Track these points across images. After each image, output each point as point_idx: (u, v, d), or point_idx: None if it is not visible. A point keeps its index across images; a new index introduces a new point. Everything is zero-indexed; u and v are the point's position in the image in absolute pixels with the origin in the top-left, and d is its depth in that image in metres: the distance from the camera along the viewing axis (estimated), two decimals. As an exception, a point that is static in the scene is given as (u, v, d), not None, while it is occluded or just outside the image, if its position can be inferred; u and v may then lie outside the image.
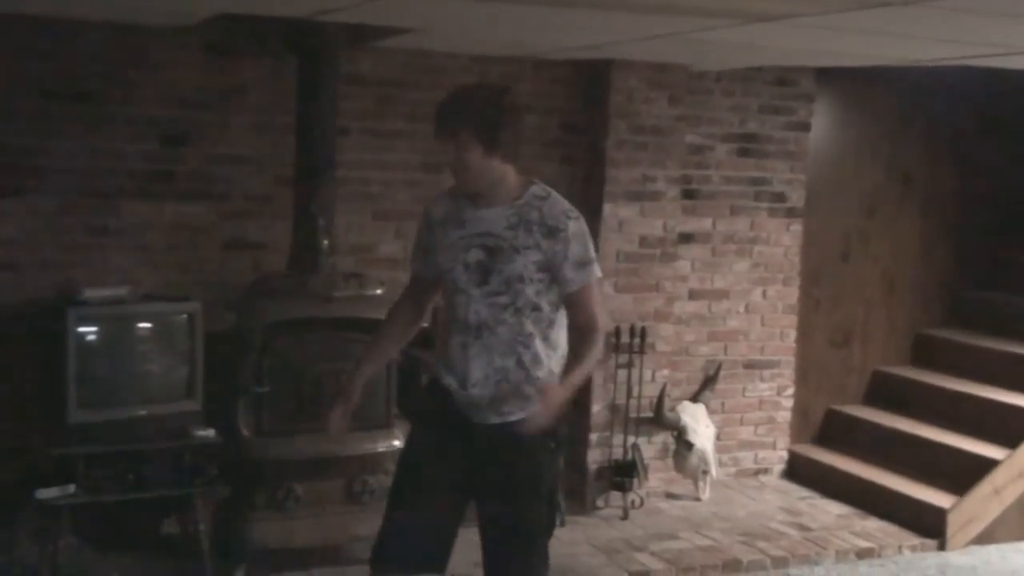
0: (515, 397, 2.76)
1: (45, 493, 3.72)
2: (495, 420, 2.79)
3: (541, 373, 2.77)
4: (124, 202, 4.39)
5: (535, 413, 2.65)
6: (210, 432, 3.92)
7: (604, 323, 2.83)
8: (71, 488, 3.79)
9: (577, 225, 2.78)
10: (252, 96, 4.55)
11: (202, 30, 4.28)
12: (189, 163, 4.51)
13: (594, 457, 5.14)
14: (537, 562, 2.84)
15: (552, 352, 2.81)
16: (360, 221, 4.80)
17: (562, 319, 2.83)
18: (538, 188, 2.81)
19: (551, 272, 2.74)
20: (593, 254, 2.80)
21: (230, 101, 4.54)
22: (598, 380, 5.10)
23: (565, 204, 2.81)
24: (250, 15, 3.96)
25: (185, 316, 4.06)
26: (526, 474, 2.82)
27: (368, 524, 4.14)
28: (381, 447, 4.22)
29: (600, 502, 5.12)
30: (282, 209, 4.46)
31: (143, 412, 3.96)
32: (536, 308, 2.76)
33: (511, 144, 2.75)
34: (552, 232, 2.73)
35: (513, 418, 2.75)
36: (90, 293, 3.98)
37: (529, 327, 2.76)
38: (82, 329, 3.89)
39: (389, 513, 2.93)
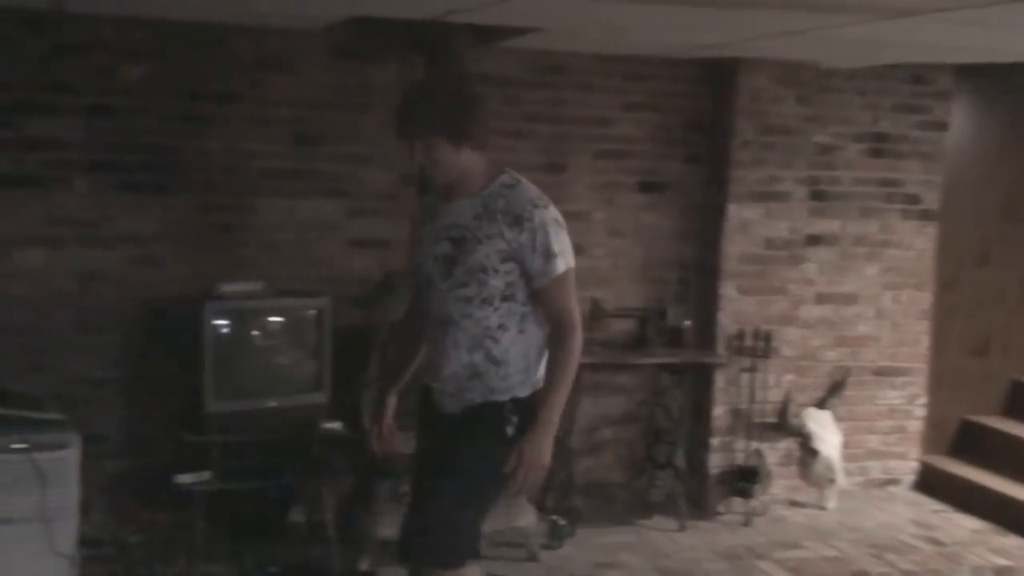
0: (481, 387, 2.68)
1: (182, 478, 3.88)
2: (456, 409, 2.73)
3: (513, 369, 2.67)
4: (258, 200, 4.54)
5: (518, 479, 2.58)
6: (337, 425, 4.03)
7: (576, 322, 2.67)
8: (206, 475, 3.95)
9: (544, 214, 2.62)
10: (379, 97, 4.64)
11: (332, 33, 4.39)
12: (319, 162, 4.64)
13: (715, 461, 5.07)
14: (432, 535, 2.66)
15: (529, 346, 2.69)
16: (483, 220, 4.84)
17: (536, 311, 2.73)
18: (507, 177, 2.68)
19: (519, 264, 2.62)
20: (562, 246, 2.64)
21: (359, 102, 4.65)
22: (720, 384, 5.04)
23: (533, 192, 2.67)
24: (379, 17, 4.05)
25: (315, 311, 4.19)
26: (461, 448, 2.69)
27: (487, 520, 4.22)
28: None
29: (721, 507, 5.05)
30: (407, 207, 4.54)
31: (274, 404, 4.10)
32: (508, 299, 2.65)
33: (479, 134, 2.64)
34: (516, 221, 2.60)
35: (479, 400, 2.68)
36: (226, 288, 4.14)
37: (498, 319, 2.65)
38: (218, 322, 4.06)
39: (406, 511, 2.89)
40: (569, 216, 4.81)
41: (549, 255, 2.61)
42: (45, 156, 4.22)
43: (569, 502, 4.71)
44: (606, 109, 5.01)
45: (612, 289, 5.05)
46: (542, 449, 2.61)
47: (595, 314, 4.90)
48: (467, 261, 2.61)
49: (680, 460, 4.99)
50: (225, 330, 4.09)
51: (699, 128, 5.12)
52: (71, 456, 3.85)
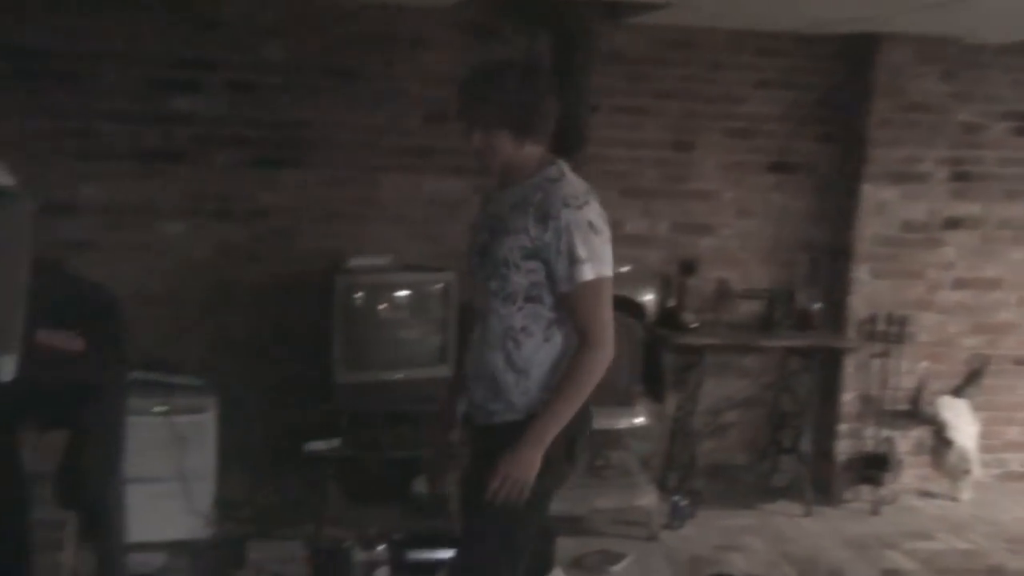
0: (501, 402, 2.45)
1: (313, 445, 4.01)
2: (483, 421, 2.51)
3: (535, 383, 2.42)
4: (387, 175, 4.63)
5: (493, 490, 2.35)
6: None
7: (601, 339, 2.38)
8: (336, 442, 4.08)
9: (574, 216, 2.36)
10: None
11: (462, 10, 4.43)
12: (448, 140, 4.69)
13: (843, 448, 4.94)
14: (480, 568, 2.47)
15: (558, 359, 2.43)
16: (607, 198, 4.76)
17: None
18: (553, 169, 2.46)
19: (545, 264, 2.39)
20: (591, 252, 2.36)
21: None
22: (849, 369, 4.91)
23: (571, 190, 2.41)
24: (509, -6, 4.06)
25: (441, 285, 4.26)
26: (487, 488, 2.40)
27: (609, 498, 4.24)
28: (622, 424, 4.28)
29: (848, 495, 4.92)
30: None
31: (399, 376, 4.19)
32: (532, 300, 2.42)
33: (544, 128, 2.44)
34: (543, 219, 2.37)
35: (497, 420, 2.46)
36: (355, 261, 4.25)
37: (521, 320, 2.43)
38: (347, 295, 4.16)
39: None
40: (696, 195, 4.92)
41: (574, 260, 2.36)
42: (188, 131, 4.39)
43: (691, 483, 4.68)
44: (736, 86, 4.91)
45: (739, 270, 4.97)
46: (524, 468, 2.35)
47: (721, 295, 4.84)
48: (494, 252, 2.44)
49: (806, 445, 4.89)
50: (354, 303, 4.19)
51: (833, 106, 4.97)
52: (209, 420, 4.04)
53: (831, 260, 5.01)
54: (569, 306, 2.40)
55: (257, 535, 4.04)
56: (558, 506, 4.05)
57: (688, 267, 4.77)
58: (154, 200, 4.39)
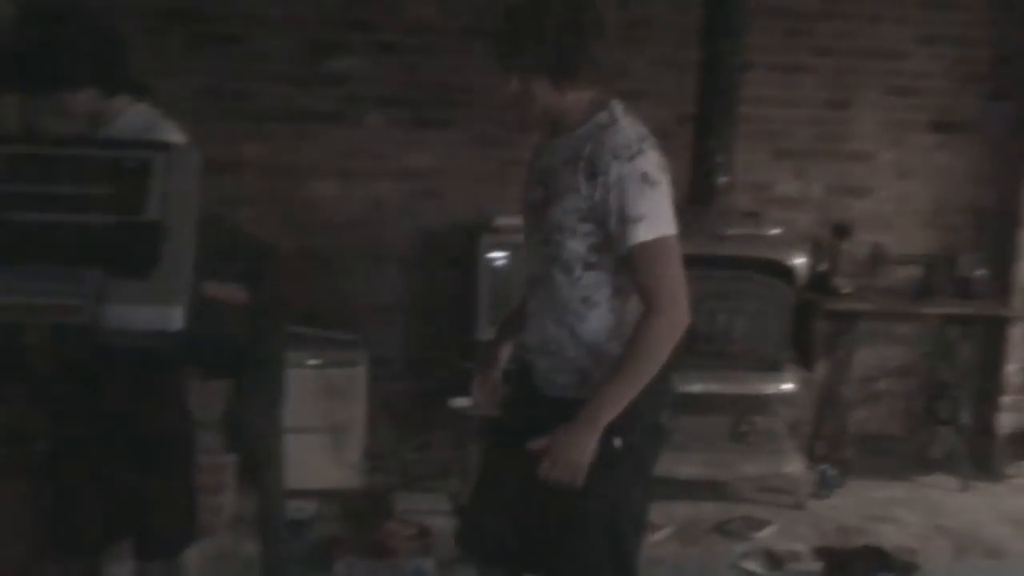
0: (570, 371, 2.23)
1: (456, 402, 4.08)
2: (549, 392, 2.29)
3: (608, 358, 2.16)
4: (534, 136, 4.61)
5: (543, 471, 2.11)
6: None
7: (666, 303, 2.09)
8: (478, 399, 4.14)
9: (625, 168, 2.08)
10: (656, 32, 4.57)
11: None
12: (595, 99, 4.65)
13: (1006, 421, 4.72)
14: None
15: (631, 328, 2.15)
16: (759, 159, 4.70)
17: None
18: (604, 115, 2.16)
19: (603, 225, 2.12)
20: (648, 208, 2.08)
21: (632, 37, 4.60)
22: (1015, 339, 4.67)
23: (623, 138, 2.11)
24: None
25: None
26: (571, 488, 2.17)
27: (754, 464, 4.17)
28: (769, 389, 4.19)
29: (1010, 470, 4.70)
30: (681, 145, 4.47)
31: (543, 335, 4.21)
32: (592, 267, 2.17)
33: (590, 71, 2.16)
34: (592, 174, 2.10)
35: (568, 395, 2.20)
36: (500, 221, 4.28)
37: (581, 291, 2.18)
38: (492, 254, 4.21)
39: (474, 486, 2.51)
40: (852, 156, 4.73)
41: (626, 219, 2.08)
42: (340, 92, 4.49)
43: (840, 452, 4.55)
44: (898, 42, 4.69)
45: (896, 234, 4.77)
46: (576, 451, 2.10)
47: (876, 260, 4.67)
48: (548, 216, 2.18)
49: (965, 417, 4.68)
50: (498, 262, 4.23)
51: (1006, 62, 4.70)
52: (360, 374, 4.16)
53: (998, 225, 4.76)
54: (629, 269, 2.13)
55: (403, 487, 4.16)
56: (701, 470, 4.08)
57: (842, 230, 4.61)
58: (308, 159, 4.51)
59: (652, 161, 2.11)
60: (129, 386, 2.55)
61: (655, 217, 2.08)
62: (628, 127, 2.14)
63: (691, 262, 3.89)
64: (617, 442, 2.15)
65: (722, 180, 4.24)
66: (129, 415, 2.58)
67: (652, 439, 2.29)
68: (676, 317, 2.10)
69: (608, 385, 2.11)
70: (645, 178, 2.08)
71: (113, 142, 2.31)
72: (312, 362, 4.03)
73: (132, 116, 2.47)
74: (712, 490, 4.19)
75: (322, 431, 4.04)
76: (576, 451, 2.10)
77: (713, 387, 4.05)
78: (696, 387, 4.02)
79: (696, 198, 4.25)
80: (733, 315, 4.09)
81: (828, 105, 4.69)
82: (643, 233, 2.07)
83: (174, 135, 2.42)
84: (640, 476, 2.28)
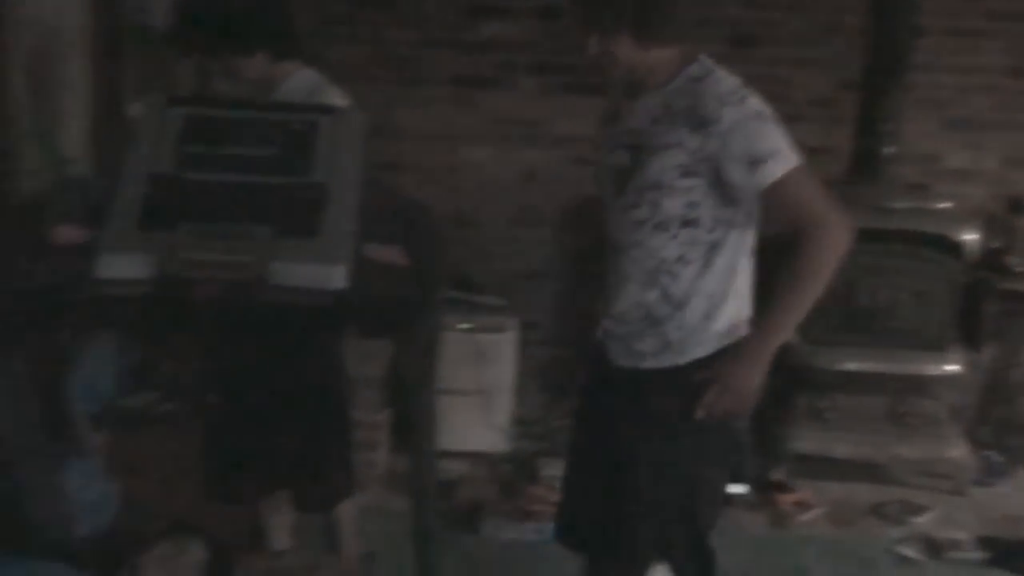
0: (654, 337, 2.17)
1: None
2: (626, 362, 2.23)
3: (692, 315, 2.13)
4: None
5: (709, 401, 2.08)
6: (757, 333, 3.99)
7: (818, 224, 2.02)
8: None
9: (738, 112, 2.02)
10: (823, -3, 4.42)
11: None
12: (755, 65, 4.50)
13: None
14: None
15: (717, 286, 2.14)
16: (928, 129, 4.48)
17: (739, 241, 2.15)
18: (696, 67, 2.10)
19: (709, 177, 2.05)
20: (772, 144, 2.02)
21: (800, 3, 4.44)
22: None
23: (726, 86, 2.06)
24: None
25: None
26: (649, 456, 2.16)
27: (913, 447, 4.01)
28: (931, 370, 4.02)
29: None
30: (845, 114, 4.31)
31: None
32: (689, 224, 2.10)
33: (673, 28, 2.10)
34: (701, 124, 2.02)
35: (646, 364, 2.17)
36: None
37: (677, 250, 2.11)
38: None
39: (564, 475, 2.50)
40: None
41: (754, 160, 2.01)
42: (497, 58, 4.50)
43: (1008, 439, 4.33)
44: (1090, 3, 4.39)
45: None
46: (744, 378, 2.11)
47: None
48: (640, 176, 2.12)
49: None
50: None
51: None
52: (509, 340, 4.20)
53: None
54: (770, 209, 2.08)
55: (549, 453, 4.18)
56: (857, 451, 3.96)
57: (1018, 206, 4.36)
58: (463, 124, 4.55)
59: (758, 101, 2.07)
60: (291, 343, 2.65)
61: (782, 151, 2.03)
62: (726, 76, 2.10)
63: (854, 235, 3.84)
64: (700, 410, 2.14)
65: (888, 151, 4.07)
66: (291, 371, 2.68)
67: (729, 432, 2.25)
68: (836, 233, 2.04)
69: (773, 313, 2.09)
70: (760, 116, 2.04)
71: (282, 105, 2.39)
72: (463, 326, 4.09)
73: (299, 80, 2.54)
74: (867, 472, 4.06)
75: (471, 394, 4.10)
76: (743, 380, 2.11)
77: (871, 366, 3.91)
78: (853, 365, 3.91)
79: (859, 169, 4.09)
80: (896, 292, 3.92)
81: (1009, 73, 4.42)
82: (776, 169, 2.01)
83: (338, 99, 2.49)
84: (721, 452, 2.26)
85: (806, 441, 3.97)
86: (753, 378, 2.13)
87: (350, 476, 2.88)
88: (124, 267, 1.90)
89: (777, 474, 3.98)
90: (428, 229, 2.17)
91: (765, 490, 3.88)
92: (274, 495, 2.89)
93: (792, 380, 4.00)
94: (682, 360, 2.16)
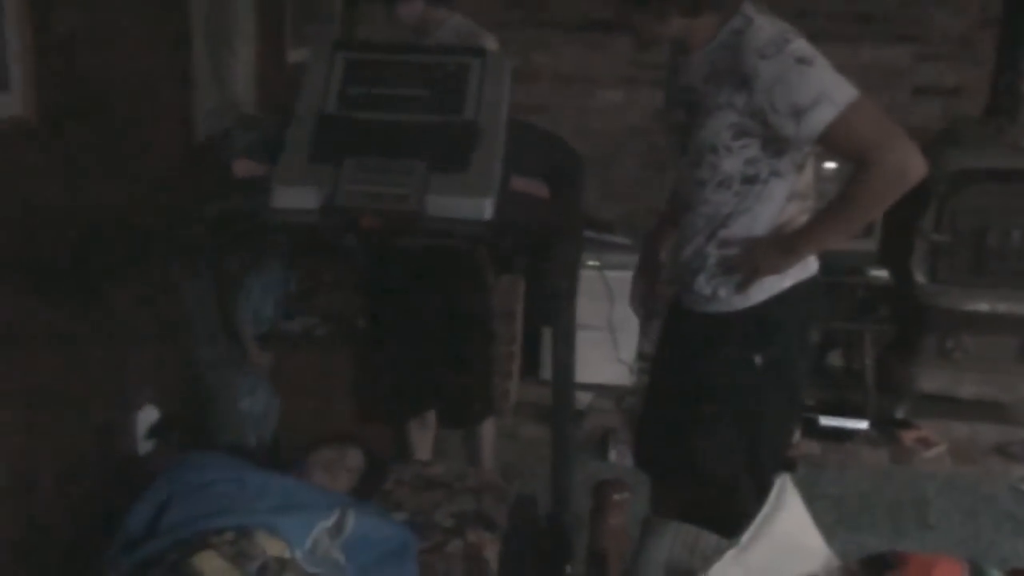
0: (712, 284, 2.22)
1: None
2: (693, 307, 2.29)
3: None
4: (823, 45, 4.52)
5: (727, 256, 2.13)
6: (884, 273, 4.03)
7: (889, 149, 1.95)
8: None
9: (775, 65, 1.96)
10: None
11: None
12: (888, 4, 4.49)
13: None
14: (720, 510, 2.18)
15: (758, 230, 2.16)
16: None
17: (784, 188, 2.14)
18: (738, 20, 2.04)
19: (763, 133, 2.03)
20: (817, 89, 1.95)
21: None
22: None
23: (765, 36, 1.98)
24: None
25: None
26: (710, 396, 2.24)
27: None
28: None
29: None
30: (983, 53, 4.26)
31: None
32: (748, 180, 2.11)
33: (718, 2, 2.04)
34: (743, 82, 1.99)
35: (709, 308, 2.23)
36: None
37: (736, 204, 2.14)
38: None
39: (640, 407, 2.60)
40: None
41: (801, 109, 1.96)
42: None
43: None
44: None
45: None
46: (766, 256, 2.12)
47: None
48: (697, 136, 2.12)
49: None
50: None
51: None
52: (636, 277, 4.33)
53: None
54: (831, 149, 2.06)
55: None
56: (979, 389, 3.97)
57: None
58: (596, 69, 4.66)
59: (801, 45, 1.99)
60: (440, 272, 2.86)
61: (829, 91, 1.97)
62: (766, 23, 2.03)
63: (988, 175, 3.84)
64: (758, 359, 2.19)
65: (1026, 90, 4.02)
66: (440, 299, 2.90)
67: (796, 354, 2.26)
68: (896, 160, 1.96)
69: (819, 223, 2.10)
70: (801, 61, 1.97)
71: (436, 49, 2.56)
72: (592, 263, 4.24)
73: (451, 26, 2.72)
74: (993, 412, 4.08)
75: (599, 329, 4.26)
76: (765, 258, 2.13)
77: (1001, 306, 3.90)
78: (982, 305, 3.91)
79: (997, 108, 4.05)
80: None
81: None
82: (826, 113, 1.96)
83: (490, 43, 2.65)
84: (783, 392, 2.27)
85: (932, 381, 4.02)
86: (773, 262, 2.14)
87: (490, 396, 3.09)
88: (296, 198, 2.09)
89: (900, 412, 4.05)
90: (569, 164, 2.31)
91: (888, 427, 3.95)
92: (421, 413, 3.13)
93: (919, 320, 4.04)
94: (738, 305, 2.22)
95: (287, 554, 1.97)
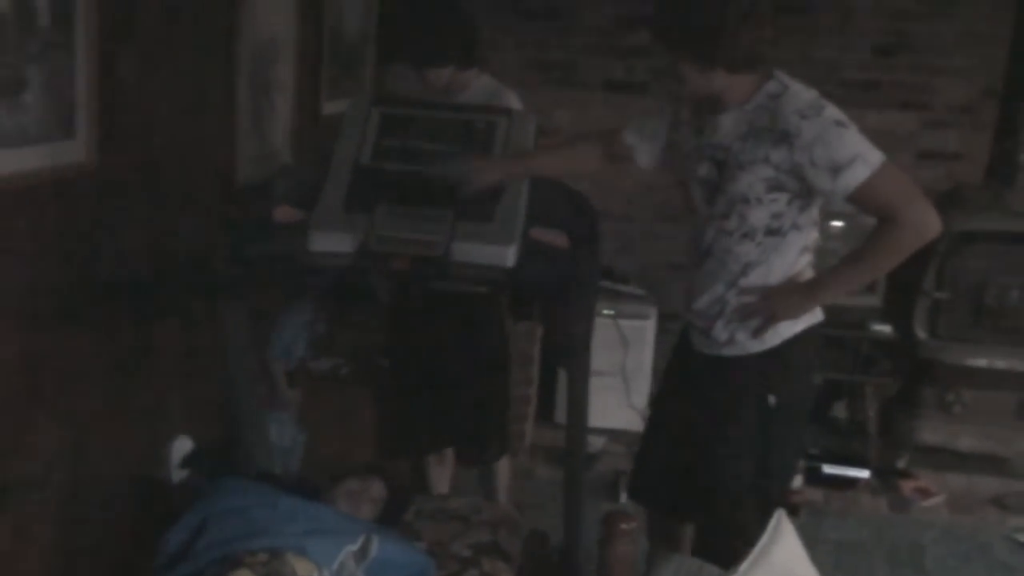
0: (728, 329, 2.36)
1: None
2: (708, 351, 2.42)
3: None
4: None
5: (746, 303, 2.28)
6: (887, 328, 4.17)
7: (911, 215, 2.13)
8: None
9: (815, 125, 2.14)
10: (966, 7, 4.52)
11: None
12: (897, 73, 4.67)
13: None
14: (729, 540, 2.27)
15: (783, 276, 2.31)
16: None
17: (801, 241, 2.31)
18: (773, 84, 2.22)
19: (794, 189, 2.20)
20: (853, 150, 2.13)
21: (943, 12, 4.57)
22: None
23: (802, 101, 2.18)
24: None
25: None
26: (723, 433, 2.36)
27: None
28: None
29: None
30: (985, 121, 4.43)
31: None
32: (773, 232, 2.27)
33: (741, 54, 2.17)
34: (783, 139, 2.16)
35: (723, 352, 2.37)
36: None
37: (757, 255, 2.29)
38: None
39: (640, 443, 2.71)
40: None
41: (838, 167, 2.13)
42: (647, 63, 4.78)
43: None
44: None
45: None
46: (786, 301, 2.28)
47: None
48: (728, 190, 2.26)
49: None
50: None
51: None
52: (649, 327, 4.49)
53: None
54: (862, 209, 2.22)
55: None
56: (978, 442, 4.07)
57: None
58: (613, 126, 4.84)
59: (835, 110, 2.18)
60: (462, 316, 3.02)
61: (864, 153, 2.14)
62: (801, 89, 2.23)
63: (987, 237, 3.98)
64: (772, 400, 2.34)
65: (1024, 157, 4.18)
66: (460, 341, 3.05)
67: (806, 394, 2.44)
68: (916, 220, 2.14)
69: (839, 269, 2.30)
70: (839, 124, 2.16)
71: (466, 107, 2.74)
72: (607, 312, 4.39)
73: (480, 86, 2.91)
74: (991, 465, 4.19)
75: (613, 375, 4.40)
76: (784, 303, 2.28)
77: (999, 363, 4.03)
78: (981, 362, 4.04)
79: (996, 174, 4.22)
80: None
81: None
82: (861, 172, 2.12)
83: (514, 102, 2.83)
84: (792, 431, 2.41)
85: (932, 433, 4.14)
86: (793, 306, 2.30)
87: (506, 435, 3.23)
88: (332, 242, 2.24)
89: (901, 462, 4.16)
90: (587, 216, 2.47)
91: (889, 476, 4.06)
92: (439, 450, 3.27)
93: (920, 373, 4.17)
94: (753, 349, 2.36)
95: (315, 575, 2.11)
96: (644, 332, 4.46)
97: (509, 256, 2.21)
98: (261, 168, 3.03)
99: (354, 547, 2.22)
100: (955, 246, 4.05)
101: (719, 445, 2.40)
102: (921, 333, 4.14)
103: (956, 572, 3.46)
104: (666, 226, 4.84)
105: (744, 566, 2.01)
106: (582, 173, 2.63)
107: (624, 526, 2.19)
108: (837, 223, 3.95)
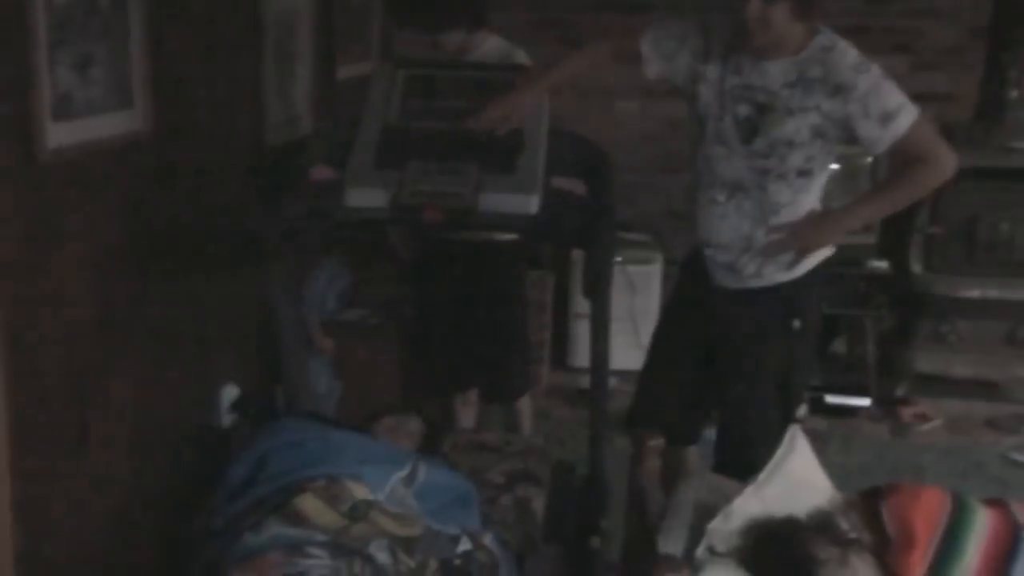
0: (755, 262, 2.53)
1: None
2: (733, 284, 2.58)
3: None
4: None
5: (777, 240, 2.45)
6: (883, 264, 4.34)
7: (941, 158, 2.37)
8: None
9: (869, 79, 2.34)
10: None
11: None
12: (887, 18, 4.80)
13: None
14: (755, 451, 2.43)
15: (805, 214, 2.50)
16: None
17: (820, 182, 2.51)
18: (824, 38, 2.39)
19: (835, 136, 2.39)
20: (899, 100, 2.35)
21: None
22: None
23: (853, 56, 2.36)
24: None
25: (869, 160, 4.46)
26: (753, 354, 2.57)
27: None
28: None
29: None
30: (973, 61, 4.57)
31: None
32: (804, 174, 2.45)
33: (821, 5, 2.38)
34: (838, 91, 2.34)
35: (753, 284, 2.54)
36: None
37: (789, 196, 2.47)
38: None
39: (641, 375, 2.90)
40: None
41: (888, 116, 2.34)
42: (647, 19, 4.88)
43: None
44: None
45: None
46: (818, 233, 2.48)
47: None
48: (771, 133, 2.42)
49: None
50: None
51: None
52: (655, 271, 4.65)
53: None
54: (902, 156, 2.40)
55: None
56: (971, 369, 4.25)
57: None
58: (616, 82, 4.99)
59: (878, 66, 2.38)
60: (483, 265, 3.20)
61: (905, 103, 2.37)
62: (849, 47, 2.40)
63: (977, 173, 4.18)
64: (797, 323, 2.54)
65: (1013, 95, 4.33)
66: (482, 287, 3.23)
67: (819, 320, 2.70)
68: (942, 165, 2.38)
69: (866, 200, 2.57)
70: (885, 77, 2.37)
71: (482, 66, 2.89)
72: (615, 259, 4.55)
73: (490, 47, 3.06)
74: (985, 390, 4.39)
75: (621, 319, 4.55)
76: (816, 235, 2.48)
77: (991, 293, 4.22)
78: (974, 292, 4.23)
79: (985, 113, 4.37)
80: (1017, 224, 4.24)
81: None
82: (906, 120, 2.35)
83: (522, 59, 2.99)
84: (809, 352, 2.68)
85: (928, 362, 4.34)
86: (820, 241, 2.51)
87: (528, 374, 3.43)
88: (367, 198, 2.37)
89: (900, 391, 4.37)
90: (602, 165, 2.64)
91: (888, 404, 4.27)
92: (465, 390, 3.47)
93: (916, 306, 4.36)
94: (782, 279, 2.55)
95: (371, 497, 2.31)
96: (650, 277, 4.63)
97: (532, 204, 2.35)
98: (284, 132, 3.21)
99: (403, 473, 2.41)
100: (949, 182, 4.20)
101: (749, 365, 2.59)
102: (916, 268, 4.31)
103: (955, 489, 3.64)
104: (668, 175, 5.00)
105: (763, 476, 2.20)
106: (592, 71, 2.83)
107: (651, 443, 2.39)
108: (834, 166, 4.10)
